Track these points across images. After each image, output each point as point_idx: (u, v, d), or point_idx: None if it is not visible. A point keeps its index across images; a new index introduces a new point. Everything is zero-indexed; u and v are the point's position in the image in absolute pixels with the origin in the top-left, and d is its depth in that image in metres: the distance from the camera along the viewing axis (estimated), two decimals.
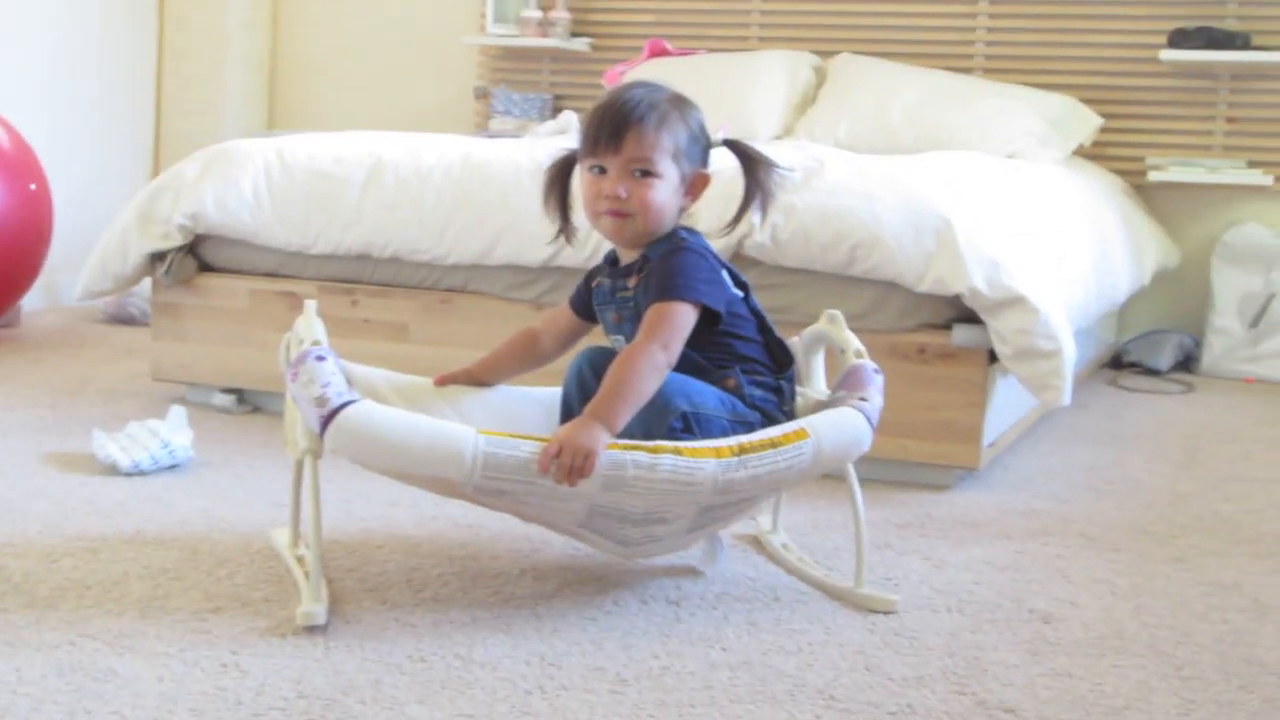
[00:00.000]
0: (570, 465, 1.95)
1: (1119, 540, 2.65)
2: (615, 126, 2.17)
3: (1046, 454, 3.37)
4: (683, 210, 2.25)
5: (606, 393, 2.05)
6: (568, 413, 2.30)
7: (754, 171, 2.28)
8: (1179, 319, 5.00)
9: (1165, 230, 4.88)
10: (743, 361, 2.23)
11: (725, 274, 2.24)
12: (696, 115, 2.25)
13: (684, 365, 2.17)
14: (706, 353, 2.20)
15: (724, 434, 2.12)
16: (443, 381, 2.38)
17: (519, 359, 2.43)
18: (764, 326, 2.28)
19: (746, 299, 2.27)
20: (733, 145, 2.29)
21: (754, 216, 2.32)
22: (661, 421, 2.09)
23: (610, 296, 2.28)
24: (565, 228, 2.34)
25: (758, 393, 2.21)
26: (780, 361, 2.28)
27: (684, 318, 2.14)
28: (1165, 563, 2.52)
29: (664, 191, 2.19)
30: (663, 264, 2.19)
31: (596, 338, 2.38)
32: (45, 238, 4.43)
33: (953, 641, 2.07)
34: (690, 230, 2.26)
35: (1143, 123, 4.92)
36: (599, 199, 2.20)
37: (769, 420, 2.21)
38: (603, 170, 2.20)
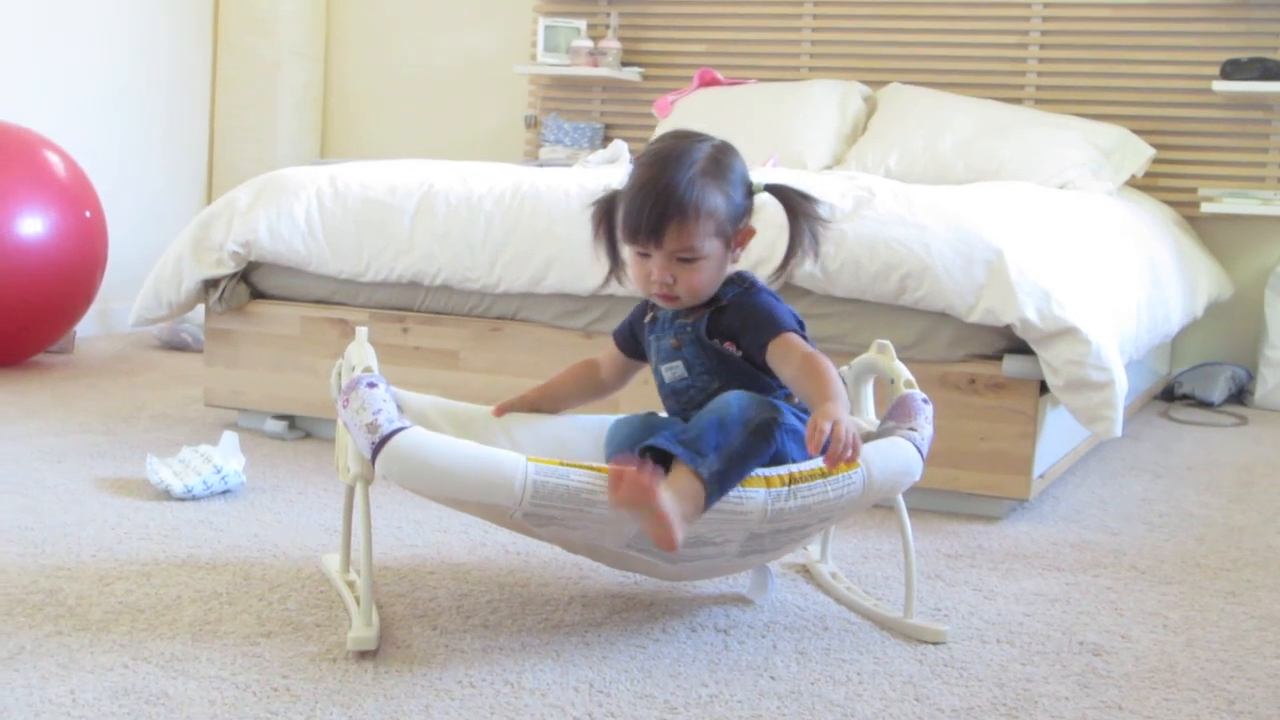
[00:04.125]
0: (847, 443, 1.95)
1: (1171, 573, 2.63)
2: (655, 221, 2.11)
3: (1098, 486, 3.34)
4: (732, 262, 2.22)
5: (824, 388, 2.03)
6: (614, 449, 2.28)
7: (797, 218, 2.23)
8: (1232, 351, 4.97)
9: (1218, 262, 4.86)
10: None
11: None
12: (738, 167, 2.19)
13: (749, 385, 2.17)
14: (768, 372, 2.19)
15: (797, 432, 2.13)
16: (502, 411, 2.37)
17: (579, 386, 2.42)
18: None
19: (800, 330, 2.27)
20: (775, 190, 2.25)
21: (804, 260, 2.28)
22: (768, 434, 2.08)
23: (670, 324, 2.25)
24: (615, 268, 2.30)
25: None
26: None
27: (802, 342, 2.15)
28: (1218, 596, 2.49)
29: (709, 269, 2.16)
30: (747, 305, 2.18)
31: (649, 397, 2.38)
32: (100, 265, 4.49)
33: (1003, 673, 2.06)
34: (747, 273, 2.25)
35: (1195, 154, 4.90)
36: (648, 281, 2.18)
37: None
38: (648, 254, 2.17)
